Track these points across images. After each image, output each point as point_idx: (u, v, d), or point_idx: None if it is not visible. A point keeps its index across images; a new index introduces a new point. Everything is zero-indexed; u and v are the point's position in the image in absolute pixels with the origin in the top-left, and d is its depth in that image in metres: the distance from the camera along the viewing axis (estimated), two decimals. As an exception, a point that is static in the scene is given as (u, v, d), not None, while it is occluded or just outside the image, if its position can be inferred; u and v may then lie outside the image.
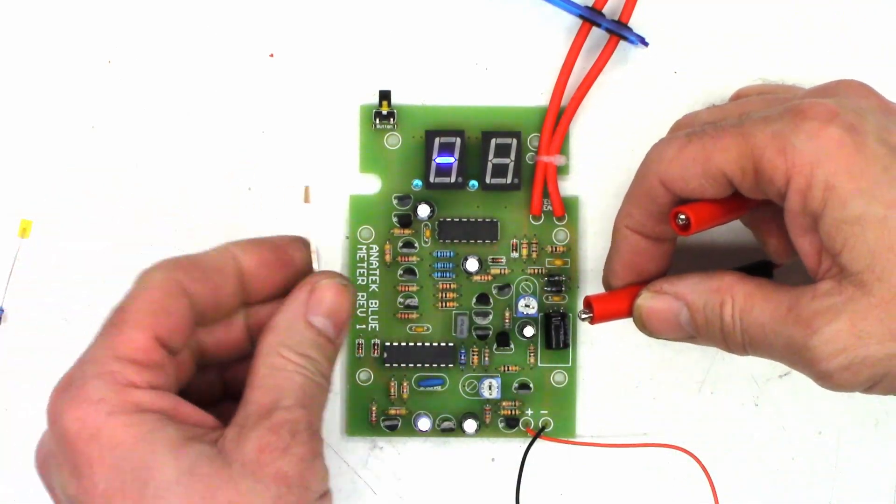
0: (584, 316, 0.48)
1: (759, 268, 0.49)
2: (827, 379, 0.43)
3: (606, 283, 0.49)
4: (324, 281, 0.45)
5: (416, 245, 0.53)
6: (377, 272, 0.53)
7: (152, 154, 0.53)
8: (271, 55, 0.53)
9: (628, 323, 0.53)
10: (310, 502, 0.43)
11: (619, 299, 0.48)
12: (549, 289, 0.53)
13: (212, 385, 0.47)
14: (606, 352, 0.53)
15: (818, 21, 0.53)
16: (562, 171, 0.53)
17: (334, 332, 0.45)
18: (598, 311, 0.48)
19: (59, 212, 0.53)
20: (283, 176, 0.53)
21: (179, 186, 0.53)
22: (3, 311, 0.53)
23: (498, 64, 0.53)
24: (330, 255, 0.53)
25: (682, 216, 0.45)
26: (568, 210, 0.53)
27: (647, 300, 0.47)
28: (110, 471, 0.41)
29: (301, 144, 0.53)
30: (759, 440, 0.54)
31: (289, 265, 0.46)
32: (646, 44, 0.52)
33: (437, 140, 0.52)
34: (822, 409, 0.54)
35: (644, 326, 0.48)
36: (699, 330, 0.46)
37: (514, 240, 0.53)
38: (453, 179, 0.52)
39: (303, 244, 0.46)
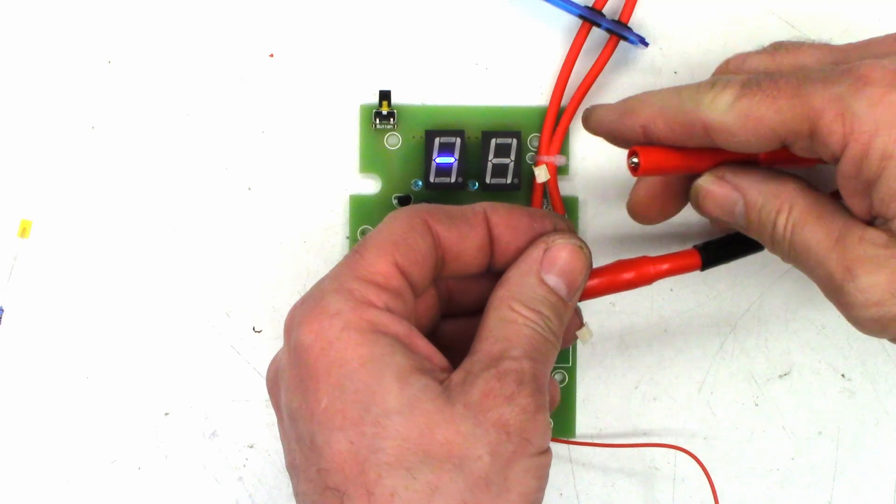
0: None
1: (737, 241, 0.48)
2: (856, 323, 0.43)
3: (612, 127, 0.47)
4: (559, 240, 0.45)
5: (416, 245, 0.53)
6: (377, 272, 0.53)
7: (152, 154, 0.53)
8: (271, 55, 0.53)
9: (628, 323, 0.53)
10: (528, 456, 0.42)
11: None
12: (549, 289, 0.53)
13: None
14: (606, 352, 0.53)
15: (819, 21, 0.53)
16: (562, 171, 0.53)
17: (567, 293, 0.45)
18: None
19: (59, 212, 0.53)
20: (283, 176, 0.53)
21: (179, 186, 0.53)
22: (3, 311, 0.53)
23: (498, 64, 0.53)
24: (330, 254, 0.53)
25: (635, 160, 0.44)
26: (568, 210, 0.53)
27: (707, 182, 0.46)
28: (334, 389, 0.41)
29: (301, 144, 0.53)
30: (759, 440, 0.54)
31: (538, 233, 0.46)
32: (646, 44, 0.52)
33: (437, 140, 0.52)
34: (822, 409, 0.54)
35: (699, 206, 0.47)
36: (751, 226, 0.45)
37: (514, 240, 0.53)
38: (453, 179, 0.52)
39: (558, 219, 0.46)
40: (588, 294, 0.47)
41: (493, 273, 0.46)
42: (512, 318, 0.44)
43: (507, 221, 0.45)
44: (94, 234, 0.53)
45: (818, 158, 0.43)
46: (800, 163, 0.45)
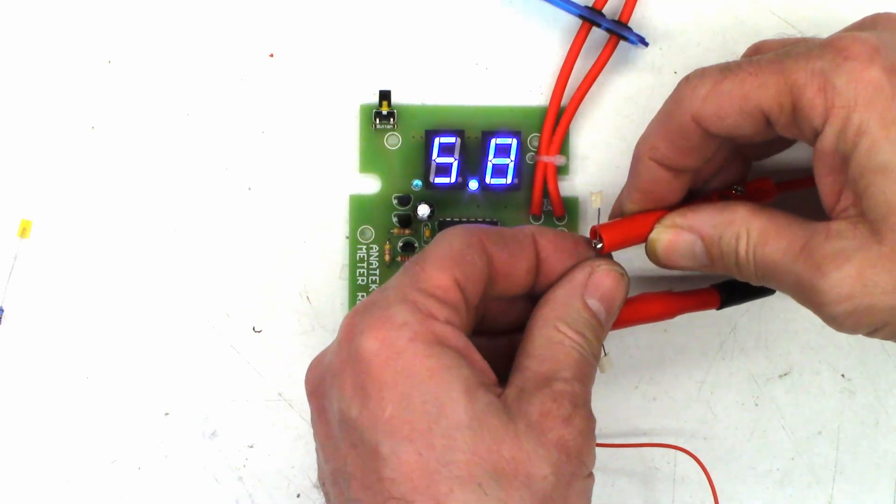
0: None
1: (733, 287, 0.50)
2: (831, 321, 0.43)
3: (620, 207, 0.48)
4: (603, 266, 0.46)
5: (416, 245, 0.53)
6: (377, 272, 0.53)
7: (152, 154, 0.53)
8: (271, 55, 0.53)
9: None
10: (582, 477, 0.43)
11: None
12: (549, 289, 0.53)
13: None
14: (606, 351, 0.53)
15: (819, 21, 0.53)
16: (562, 171, 0.53)
17: (606, 317, 0.46)
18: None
19: (59, 212, 0.53)
20: (283, 176, 0.53)
21: (179, 186, 0.53)
22: (3, 311, 0.53)
23: (498, 64, 0.53)
24: (330, 254, 0.53)
25: (599, 244, 0.47)
26: (568, 210, 0.53)
27: (661, 233, 0.47)
28: (401, 398, 0.41)
29: (301, 144, 0.53)
30: (759, 440, 0.54)
31: (582, 256, 0.47)
32: (646, 44, 0.52)
33: (437, 140, 0.52)
34: (822, 409, 0.54)
35: (658, 259, 0.47)
36: (714, 261, 0.46)
37: (514, 240, 0.53)
38: (453, 179, 0.52)
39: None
40: (616, 323, 0.48)
41: (527, 296, 0.47)
42: (559, 339, 0.44)
43: (553, 245, 0.46)
44: (94, 234, 0.53)
45: (797, 137, 0.43)
46: (774, 146, 0.46)
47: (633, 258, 0.50)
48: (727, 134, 0.44)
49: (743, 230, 0.45)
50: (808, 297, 0.43)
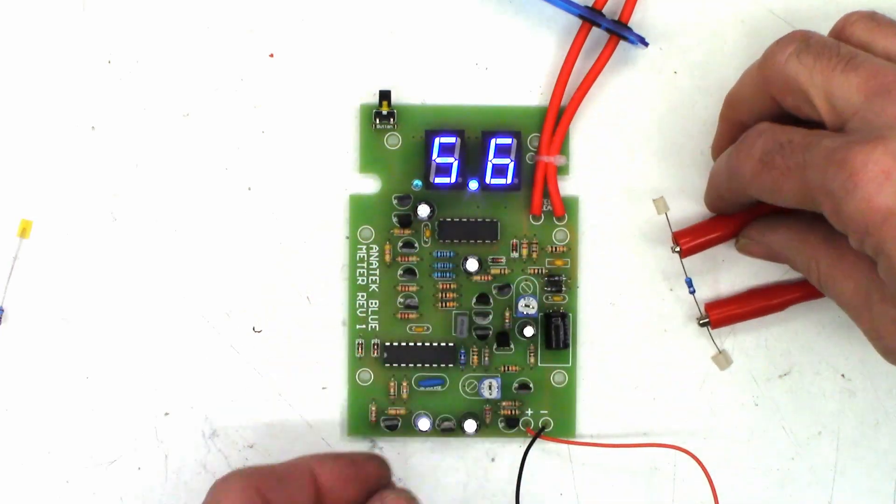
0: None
1: None
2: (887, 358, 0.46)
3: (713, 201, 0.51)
4: (391, 497, 0.46)
5: (416, 245, 0.53)
6: (377, 272, 0.53)
7: (152, 154, 0.53)
8: (271, 55, 0.53)
9: (628, 323, 0.53)
10: None
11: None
12: (549, 289, 0.53)
13: None
14: (606, 352, 0.53)
15: (819, 22, 0.53)
16: (562, 171, 0.53)
17: None
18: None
19: (59, 212, 0.53)
20: (283, 176, 0.53)
21: (179, 186, 0.53)
22: (3, 311, 0.53)
23: (498, 64, 0.53)
24: (330, 254, 0.53)
25: (677, 248, 0.51)
26: (568, 210, 0.53)
27: (742, 247, 0.51)
28: None
29: (301, 144, 0.53)
30: (759, 440, 0.54)
31: (364, 481, 0.46)
32: (646, 44, 0.52)
33: (437, 140, 0.52)
34: (822, 409, 0.54)
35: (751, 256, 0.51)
36: (795, 269, 0.49)
37: (514, 240, 0.53)
38: (453, 179, 0.52)
39: (380, 462, 0.47)
40: (739, 318, 0.53)
41: None
42: None
43: (335, 474, 0.46)
44: (94, 234, 0.53)
45: None
46: None
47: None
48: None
49: (813, 261, 0.46)
50: (871, 342, 0.45)
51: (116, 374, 0.53)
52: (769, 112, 0.47)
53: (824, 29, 0.48)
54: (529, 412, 0.53)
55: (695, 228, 0.52)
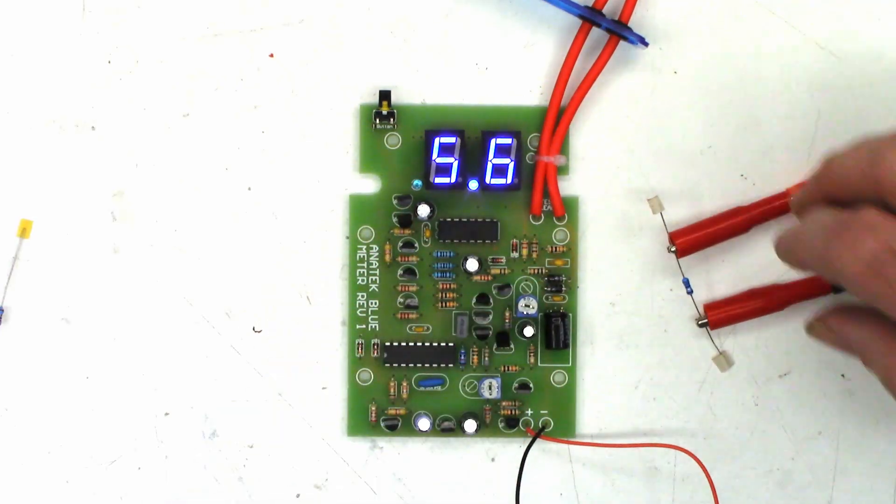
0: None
1: None
2: None
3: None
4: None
5: (416, 245, 0.53)
6: (377, 272, 0.53)
7: (152, 154, 0.53)
8: (271, 55, 0.53)
9: (628, 323, 0.53)
10: None
11: (736, 308, 0.53)
12: (549, 289, 0.53)
13: None
14: (606, 352, 0.53)
15: (819, 22, 0.53)
16: (562, 171, 0.53)
17: None
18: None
19: (59, 212, 0.53)
20: (283, 176, 0.53)
21: (179, 186, 0.53)
22: (3, 311, 0.53)
23: (498, 64, 0.53)
24: (330, 254, 0.53)
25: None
26: (568, 210, 0.53)
27: (814, 332, 0.49)
28: None
29: (301, 144, 0.53)
30: (759, 440, 0.54)
31: None
32: (646, 44, 0.52)
33: (437, 140, 0.52)
34: (822, 409, 0.54)
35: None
36: (866, 366, 0.46)
37: (514, 240, 0.53)
38: (453, 179, 0.52)
39: None
40: (740, 318, 0.53)
41: None
42: None
43: None
44: (94, 234, 0.53)
45: None
46: None
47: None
48: None
49: (880, 364, 0.45)
50: None
51: (116, 374, 0.53)
52: (874, 199, 0.43)
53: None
54: (529, 412, 0.53)
55: (691, 228, 0.52)
